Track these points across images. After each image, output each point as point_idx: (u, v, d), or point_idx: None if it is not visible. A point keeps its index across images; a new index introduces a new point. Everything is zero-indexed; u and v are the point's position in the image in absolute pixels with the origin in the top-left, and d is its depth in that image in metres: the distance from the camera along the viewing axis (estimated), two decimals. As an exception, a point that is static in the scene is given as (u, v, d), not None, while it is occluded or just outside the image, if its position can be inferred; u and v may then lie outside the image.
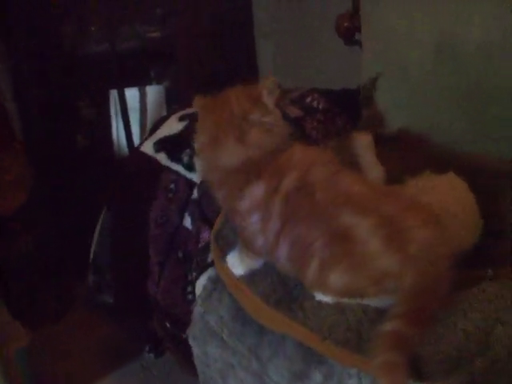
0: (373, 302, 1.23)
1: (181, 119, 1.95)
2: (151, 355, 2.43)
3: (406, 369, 1.07)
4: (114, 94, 3.26)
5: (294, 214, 1.22)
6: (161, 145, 1.92)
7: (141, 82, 3.29)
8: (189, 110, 1.97)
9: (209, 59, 3.07)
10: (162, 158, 1.93)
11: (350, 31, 2.23)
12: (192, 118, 1.89)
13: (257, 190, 1.25)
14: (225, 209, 1.39)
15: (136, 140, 3.20)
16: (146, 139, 2.02)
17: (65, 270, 3.05)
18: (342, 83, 2.29)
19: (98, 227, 2.17)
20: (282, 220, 1.22)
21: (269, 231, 1.24)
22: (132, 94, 3.24)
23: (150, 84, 3.31)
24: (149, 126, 3.25)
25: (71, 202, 3.11)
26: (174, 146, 1.90)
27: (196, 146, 1.36)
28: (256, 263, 1.39)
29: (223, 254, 1.47)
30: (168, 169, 1.94)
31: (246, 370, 1.44)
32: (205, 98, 1.36)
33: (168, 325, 2.04)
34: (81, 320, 2.89)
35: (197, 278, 1.70)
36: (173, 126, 1.96)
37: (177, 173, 1.92)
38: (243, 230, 1.32)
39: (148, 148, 1.95)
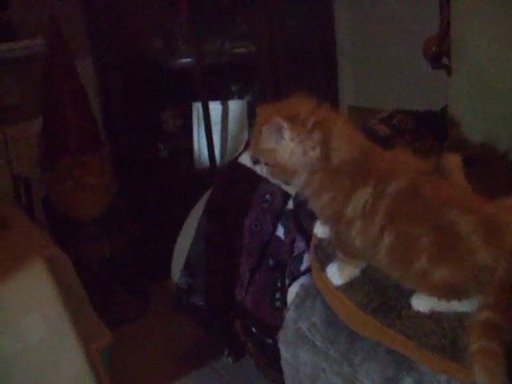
0: (466, 306, 1.29)
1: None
2: (229, 359, 2.48)
3: (501, 357, 1.12)
4: (196, 107, 3.35)
5: (401, 211, 1.28)
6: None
7: (224, 96, 3.37)
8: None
9: (291, 76, 3.13)
10: (259, 169, 1.98)
11: (437, 55, 2.29)
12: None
13: (363, 195, 1.32)
14: (326, 213, 1.42)
15: (217, 152, 3.29)
16: (244, 150, 2.10)
17: (142, 273, 3.15)
18: (424, 105, 2.35)
19: (194, 231, 2.25)
20: (389, 216, 1.29)
21: (373, 226, 1.30)
22: (214, 108, 3.33)
23: (233, 99, 3.40)
24: (230, 139, 3.34)
25: (151, 209, 3.21)
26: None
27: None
28: (355, 271, 1.46)
29: (322, 266, 1.53)
30: (266, 180, 2.02)
31: (336, 374, 1.50)
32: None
33: (254, 330, 2.10)
34: (158, 321, 2.98)
35: (289, 285, 1.78)
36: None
37: (274, 184, 2.00)
38: (344, 232, 1.38)
39: (246, 159, 2.03)
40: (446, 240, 1.25)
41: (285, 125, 1.36)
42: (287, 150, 1.38)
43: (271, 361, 2.03)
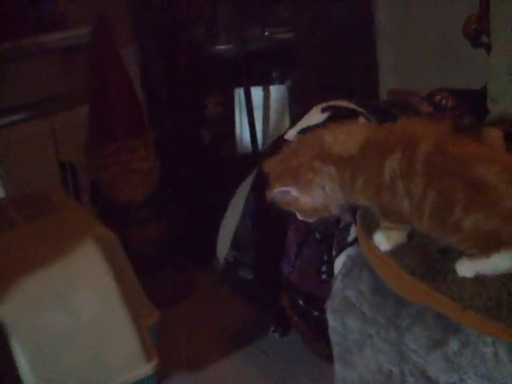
0: (509, 262, 1.34)
1: (323, 111, 2.07)
2: (275, 334, 2.52)
3: None
4: (238, 92, 3.39)
5: (436, 170, 1.34)
6: (304, 134, 2.04)
7: (265, 82, 3.41)
8: (330, 103, 2.10)
9: (330, 61, 3.16)
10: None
11: (477, 33, 2.32)
12: (333, 110, 2.03)
13: (395, 160, 1.37)
14: (366, 195, 1.45)
15: (259, 137, 3.33)
16: (289, 128, 2.15)
17: (187, 256, 3.20)
18: (465, 85, 2.38)
19: (241, 206, 2.30)
20: (427, 176, 1.34)
21: (416, 187, 1.35)
22: (256, 93, 3.37)
23: (274, 84, 3.44)
24: (271, 123, 3.38)
25: (194, 193, 3.27)
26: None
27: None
28: (402, 236, 1.50)
29: (369, 234, 1.57)
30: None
31: (383, 339, 1.54)
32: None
33: (301, 302, 2.16)
34: (203, 303, 3.04)
35: (336, 256, 1.83)
36: (315, 117, 2.08)
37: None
38: (389, 203, 1.42)
39: (291, 136, 2.08)
40: (477, 191, 1.30)
41: (290, 190, 1.46)
42: (306, 198, 1.47)
43: (317, 333, 2.09)
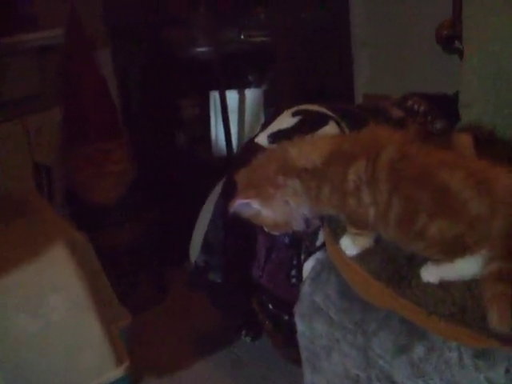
0: (472, 267, 1.32)
1: (294, 115, 2.07)
2: (247, 339, 2.52)
3: None
4: (213, 95, 3.39)
5: (400, 178, 1.34)
6: (274, 137, 2.04)
7: (241, 85, 3.41)
8: (301, 107, 2.10)
9: (306, 65, 3.17)
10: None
11: (450, 39, 2.33)
12: (304, 114, 2.02)
13: (359, 167, 1.38)
14: (332, 204, 1.46)
15: (234, 140, 3.32)
16: (260, 131, 2.14)
17: (160, 259, 3.19)
18: (440, 89, 2.38)
19: (212, 210, 2.29)
20: (391, 183, 1.35)
21: (381, 194, 1.36)
22: (231, 96, 3.36)
23: (250, 87, 3.43)
24: (247, 127, 3.38)
25: (169, 196, 3.26)
26: (286, 139, 2.02)
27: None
28: (368, 241, 1.50)
29: (336, 238, 1.57)
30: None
31: (350, 344, 1.54)
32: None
33: (271, 306, 2.16)
34: (176, 306, 3.03)
35: (305, 260, 1.83)
36: (286, 121, 2.07)
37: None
38: (354, 210, 1.43)
39: (262, 140, 2.08)
40: (442, 197, 1.31)
41: (252, 202, 1.49)
42: (268, 212, 1.50)
43: (288, 338, 2.09)
